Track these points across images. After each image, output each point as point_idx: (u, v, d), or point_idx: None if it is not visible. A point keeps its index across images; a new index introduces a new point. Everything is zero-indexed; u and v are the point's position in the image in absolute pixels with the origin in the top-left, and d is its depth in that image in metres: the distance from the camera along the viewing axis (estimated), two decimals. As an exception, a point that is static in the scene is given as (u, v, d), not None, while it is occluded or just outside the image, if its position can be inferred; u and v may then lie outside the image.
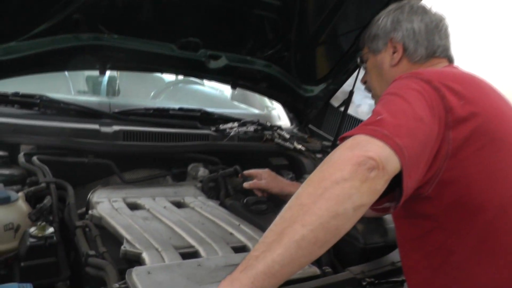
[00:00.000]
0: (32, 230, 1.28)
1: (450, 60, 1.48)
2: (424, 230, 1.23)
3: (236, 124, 2.41)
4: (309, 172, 2.44)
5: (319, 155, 2.58)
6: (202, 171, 2.00)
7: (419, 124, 1.04)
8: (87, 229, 1.43)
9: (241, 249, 1.49)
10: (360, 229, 1.72)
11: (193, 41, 2.13)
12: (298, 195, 0.93)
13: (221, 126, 2.37)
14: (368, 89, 1.65)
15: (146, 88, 3.44)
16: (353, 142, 0.97)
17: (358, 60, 1.70)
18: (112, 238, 1.43)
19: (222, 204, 1.83)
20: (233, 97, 3.84)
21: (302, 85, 2.64)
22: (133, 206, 1.64)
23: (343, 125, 2.73)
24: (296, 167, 2.38)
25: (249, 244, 1.51)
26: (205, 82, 3.56)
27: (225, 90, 3.84)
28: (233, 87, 2.52)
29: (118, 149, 1.85)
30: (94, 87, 3.32)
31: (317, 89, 2.69)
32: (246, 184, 1.89)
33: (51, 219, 1.38)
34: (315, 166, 2.46)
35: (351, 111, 5.52)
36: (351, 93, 2.62)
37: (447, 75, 1.25)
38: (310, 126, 3.01)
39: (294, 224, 0.88)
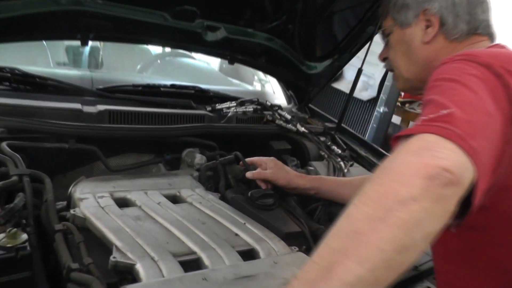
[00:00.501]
0: (0, 238, 1.04)
1: (491, 38, 1.26)
2: (473, 244, 1.04)
3: (234, 103, 2.18)
4: (313, 158, 2.29)
5: (322, 138, 2.38)
6: (199, 158, 1.77)
7: (489, 120, 0.83)
8: (69, 234, 1.20)
9: (248, 253, 1.29)
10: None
11: (189, 10, 1.87)
12: (350, 216, 0.71)
13: (218, 106, 2.13)
14: (389, 67, 1.43)
15: (132, 60, 3.17)
16: (420, 144, 0.75)
17: (380, 32, 1.47)
18: (98, 243, 1.21)
19: (222, 198, 1.61)
20: (221, 70, 3.60)
21: (305, 61, 2.40)
22: (123, 203, 1.41)
23: (348, 106, 2.52)
24: (300, 152, 2.18)
25: (257, 247, 1.30)
26: (193, 54, 3.31)
27: (211, 62, 3.59)
28: (231, 62, 2.27)
29: (105, 133, 1.61)
30: (74, 58, 3.03)
31: (320, 66, 2.47)
32: (249, 174, 1.68)
33: (25, 223, 1.14)
34: (319, 150, 2.30)
35: (343, 87, 5.38)
36: (359, 71, 2.41)
37: (504, 57, 1.02)
38: (310, 105, 2.79)
39: (347, 259, 0.66)
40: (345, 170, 2.02)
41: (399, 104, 5.45)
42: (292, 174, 1.69)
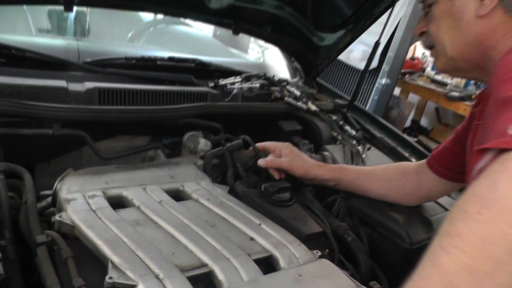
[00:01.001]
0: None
1: None
2: None
3: (238, 78, 1.95)
4: (326, 140, 2.08)
5: (334, 117, 2.16)
6: (203, 144, 1.55)
7: None
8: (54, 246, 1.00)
9: (267, 261, 1.11)
10: (403, 223, 1.35)
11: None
12: (440, 266, 0.52)
13: (221, 81, 1.90)
14: (427, 43, 1.20)
15: (122, 28, 2.88)
16: None
17: (419, 2, 1.24)
18: (91, 256, 1.00)
19: (231, 191, 1.41)
20: (215, 36, 3.33)
21: (316, 32, 2.16)
22: (118, 202, 1.19)
23: (362, 83, 2.30)
24: (311, 133, 1.97)
25: (276, 253, 1.12)
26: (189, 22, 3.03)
27: (203, 28, 3.31)
28: (235, 32, 2.02)
29: (95, 116, 1.38)
30: (58, 24, 2.74)
31: (332, 38, 2.22)
32: (261, 162, 1.47)
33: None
34: (331, 131, 2.09)
35: (342, 57, 5.12)
36: (376, 44, 2.18)
37: None
38: (318, 79, 2.57)
39: None
40: (363, 156, 1.82)
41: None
42: (310, 163, 1.49)
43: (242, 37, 3.05)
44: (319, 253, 1.17)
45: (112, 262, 0.95)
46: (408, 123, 5.84)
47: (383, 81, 4.76)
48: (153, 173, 1.35)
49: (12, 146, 1.32)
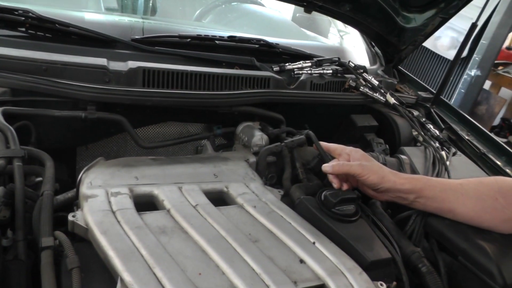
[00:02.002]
0: None
1: None
2: None
3: (308, 63, 1.71)
4: (404, 140, 1.78)
5: (415, 113, 1.87)
6: (258, 138, 1.33)
7: None
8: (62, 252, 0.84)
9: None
10: (494, 255, 1.05)
11: None
12: None
13: (288, 66, 1.67)
14: None
15: (193, 7, 2.72)
16: None
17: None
18: (102, 267, 0.84)
19: (286, 197, 1.19)
20: (294, 20, 3.10)
21: (402, 11, 1.86)
22: (146, 202, 1.02)
23: (451, 74, 1.98)
24: (388, 132, 1.71)
25: (329, 282, 0.90)
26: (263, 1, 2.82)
27: (281, 10, 3.09)
28: (308, 9, 1.77)
29: (132, 99, 1.21)
30: (126, 2, 2.63)
31: (420, 19, 1.91)
32: (327, 168, 1.19)
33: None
34: (411, 129, 1.80)
35: (428, 44, 4.68)
36: (473, 27, 1.86)
37: None
38: (400, 68, 2.26)
39: None
40: (447, 163, 1.52)
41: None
42: (385, 170, 1.20)
43: (322, 20, 2.81)
44: (384, 287, 0.94)
45: (122, 280, 0.77)
46: (497, 121, 5.27)
47: (473, 72, 4.31)
48: (195, 169, 1.16)
49: (46, 127, 1.20)
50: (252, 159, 1.30)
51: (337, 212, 1.09)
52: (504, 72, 4.91)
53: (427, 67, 4.81)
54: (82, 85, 1.15)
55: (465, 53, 4.34)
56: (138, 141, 1.27)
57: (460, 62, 4.36)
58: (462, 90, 4.43)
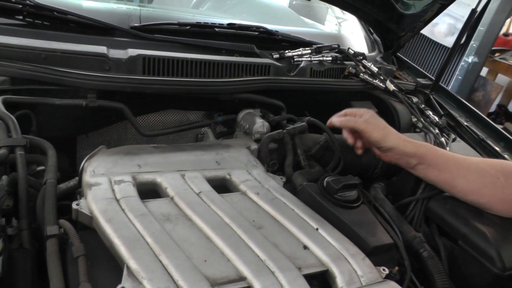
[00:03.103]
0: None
1: None
2: None
3: (308, 49, 1.70)
4: (404, 126, 1.79)
5: (414, 99, 1.88)
6: (260, 125, 1.33)
7: None
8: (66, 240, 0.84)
9: (321, 278, 0.91)
10: (494, 239, 1.06)
11: None
12: None
13: (287, 53, 1.66)
14: None
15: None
16: None
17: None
18: (107, 254, 0.84)
19: (288, 183, 1.19)
20: (291, 6, 3.08)
21: (402, -3, 1.85)
22: (149, 189, 1.02)
23: (451, 60, 1.98)
24: (388, 118, 1.70)
25: (333, 268, 0.90)
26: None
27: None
28: (306, -4, 1.77)
29: (133, 87, 1.20)
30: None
31: (419, 5, 1.90)
32: (335, 121, 1.24)
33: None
34: (411, 116, 1.81)
35: (425, 31, 4.67)
36: (472, 13, 1.85)
37: None
38: (398, 55, 2.26)
39: None
40: (447, 149, 1.53)
41: (489, 52, 4.69)
42: (391, 130, 1.23)
43: (319, 7, 2.79)
44: (386, 271, 0.94)
45: (128, 268, 0.78)
46: (493, 108, 5.28)
47: (470, 59, 4.29)
48: (197, 156, 1.16)
49: (46, 115, 1.19)
50: (254, 146, 1.30)
51: (339, 198, 1.10)
52: (500, 58, 4.91)
53: (424, 54, 4.80)
54: (82, 73, 1.14)
55: (462, 40, 4.33)
56: (139, 129, 1.27)
57: (458, 49, 4.35)
58: (459, 77, 4.42)
